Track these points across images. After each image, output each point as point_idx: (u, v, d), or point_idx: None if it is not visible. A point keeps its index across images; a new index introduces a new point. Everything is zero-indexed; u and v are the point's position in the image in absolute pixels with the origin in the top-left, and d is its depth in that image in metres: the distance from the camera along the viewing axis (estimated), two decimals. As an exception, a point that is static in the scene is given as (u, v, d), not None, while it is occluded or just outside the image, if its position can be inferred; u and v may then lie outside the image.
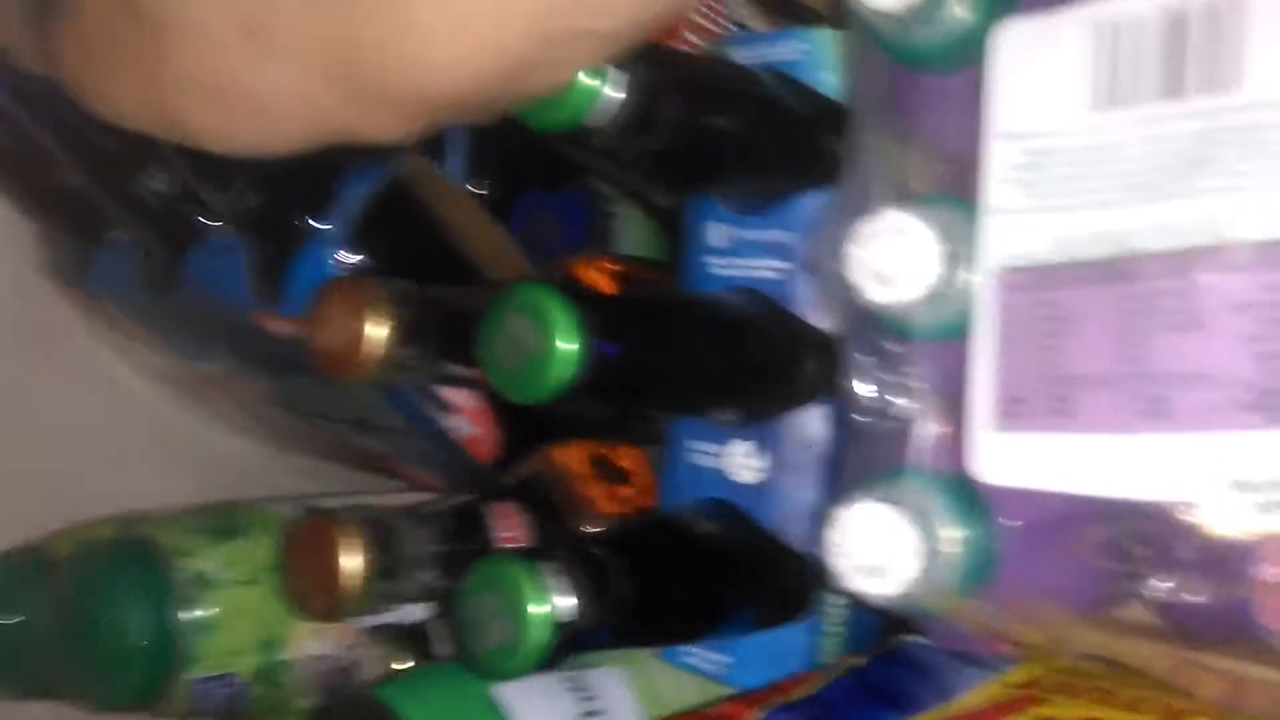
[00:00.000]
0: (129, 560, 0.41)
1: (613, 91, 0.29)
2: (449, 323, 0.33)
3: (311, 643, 0.43)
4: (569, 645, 0.30)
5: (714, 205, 0.37)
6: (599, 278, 0.41)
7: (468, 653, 0.30)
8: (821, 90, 0.34)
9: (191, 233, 0.38)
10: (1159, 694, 0.29)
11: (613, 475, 0.43)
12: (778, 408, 0.36)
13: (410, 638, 0.43)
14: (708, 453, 0.37)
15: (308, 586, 0.35)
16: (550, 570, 0.29)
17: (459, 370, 0.35)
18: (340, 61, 0.25)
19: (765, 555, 0.36)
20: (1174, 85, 0.23)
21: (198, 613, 0.41)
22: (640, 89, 0.29)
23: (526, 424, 0.44)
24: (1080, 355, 0.24)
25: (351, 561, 0.33)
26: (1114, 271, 0.23)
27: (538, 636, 0.29)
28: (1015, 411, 0.25)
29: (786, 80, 0.34)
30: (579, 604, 0.29)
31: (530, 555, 0.30)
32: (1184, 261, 0.22)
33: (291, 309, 0.37)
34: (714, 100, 0.32)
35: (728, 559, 0.36)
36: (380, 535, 0.34)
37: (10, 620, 0.43)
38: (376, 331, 0.32)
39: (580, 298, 0.29)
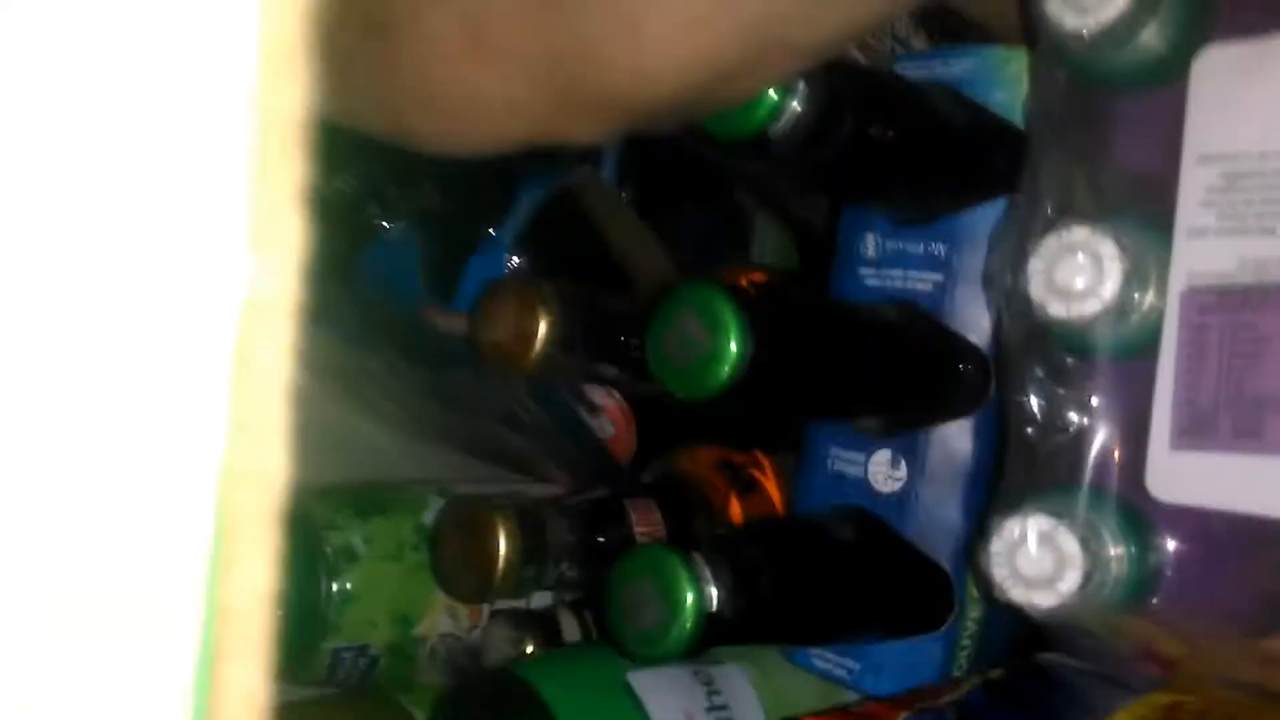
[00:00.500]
0: (286, 530, 0.43)
1: (794, 104, 0.30)
2: (611, 323, 0.35)
3: (445, 620, 0.44)
4: (714, 635, 0.31)
5: (871, 216, 0.38)
6: (746, 286, 0.42)
7: (618, 634, 0.31)
8: (991, 108, 0.35)
9: (369, 229, 0.40)
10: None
11: (740, 481, 0.44)
12: (925, 420, 0.36)
13: (538, 622, 0.44)
14: (850, 460, 0.38)
15: (460, 568, 0.36)
16: (702, 562, 0.30)
17: (614, 370, 0.36)
18: (558, 68, 0.26)
19: (903, 565, 0.36)
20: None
21: (342, 584, 0.42)
22: (820, 102, 0.30)
23: (663, 427, 0.45)
24: (1270, 377, 0.24)
25: (506, 546, 0.35)
26: (1312, 297, 0.24)
27: (689, 623, 0.30)
28: (1199, 430, 0.25)
29: (958, 97, 0.35)
30: (727, 596, 0.30)
31: (684, 546, 0.31)
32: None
33: (462, 306, 0.38)
34: (888, 115, 0.33)
35: (867, 566, 0.36)
36: (532, 523, 0.36)
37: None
38: (544, 328, 0.34)
39: (748, 300, 0.30)
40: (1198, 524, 0.26)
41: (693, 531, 0.39)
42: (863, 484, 0.37)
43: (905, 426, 0.36)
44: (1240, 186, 0.25)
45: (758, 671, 0.39)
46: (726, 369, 0.30)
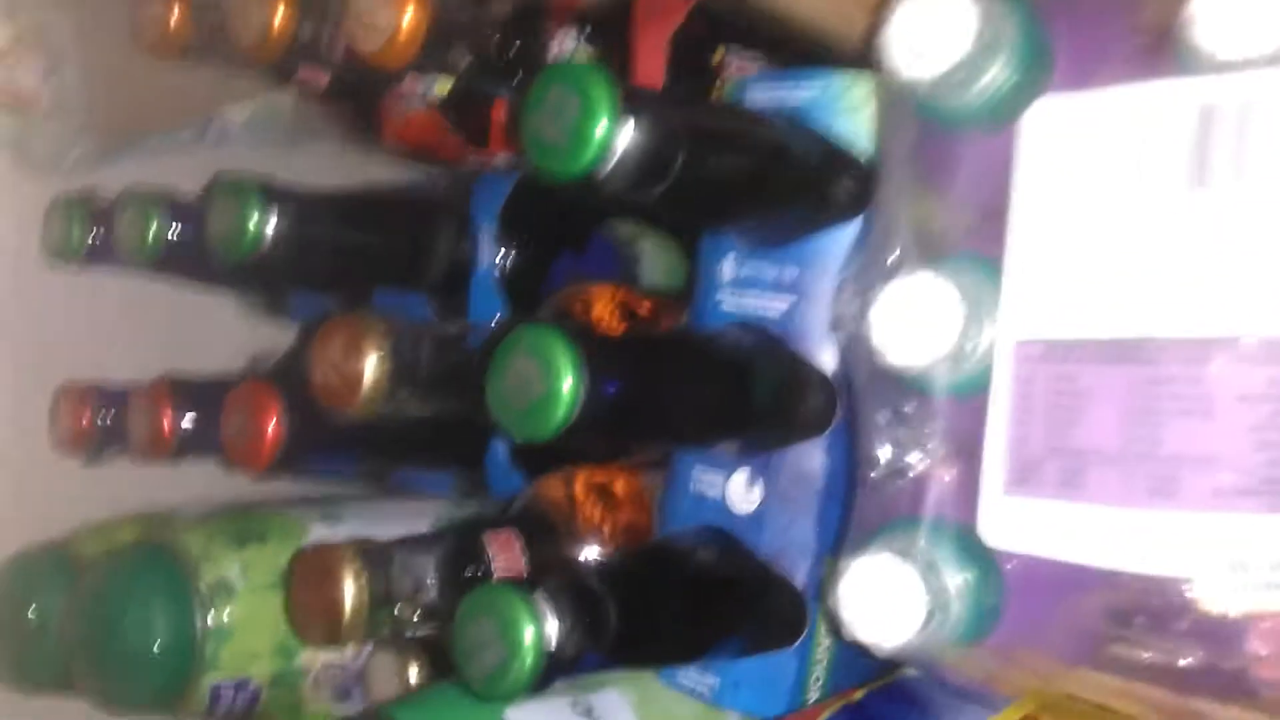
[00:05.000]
0: (154, 565, 0.42)
1: (621, 143, 0.30)
2: (445, 358, 0.34)
3: (326, 650, 0.44)
4: (560, 669, 0.31)
5: (728, 240, 0.38)
6: (608, 309, 0.42)
7: (464, 676, 0.31)
8: (834, 133, 0.35)
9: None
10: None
11: (609, 502, 0.44)
12: (774, 442, 0.37)
13: (423, 647, 0.44)
14: (710, 481, 0.38)
15: (310, 615, 0.36)
16: (542, 598, 0.30)
17: (454, 405, 0.35)
18: None
19: (755, 584, 0.37)
20: (1200, 174, 0.24)
21: (219, 618, 0.42)
22: (648, 140, 0.29)
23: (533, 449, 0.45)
24: (1092, 430, 0.25)
25: (351, 592, 0.35)
26: (1130, 353, 0.24)
27: (529, 661, 0.30)
28: (1025, 479, 0.26)
29: (795, 124, 0.35)
30: (569, 630, 0.30)
31: (523, 583, 0.31)
32: (1197, 350, 0.23)
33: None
34: (720, 146, 0.33)
35: (718, 587, 0.37)
36: (379, 566, 0.35)
37: (34, 616, 0.44)
38: (373, 367, 0.33)
39: (582, 338, 0.30)
40: (1028, 567, 0.27)
41: (560, 560, 0.40)
42: (721, 504, 0.38)
43: (755, 449, 0.37)
44: (1066, 240, 0.26)
45: (638, 695, 0.40)
46: (561, 411, 0.30)
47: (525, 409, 0.30)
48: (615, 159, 0.30)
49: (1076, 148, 0.26)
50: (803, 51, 0.38)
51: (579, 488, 0.44)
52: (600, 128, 0.29)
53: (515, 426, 0.31)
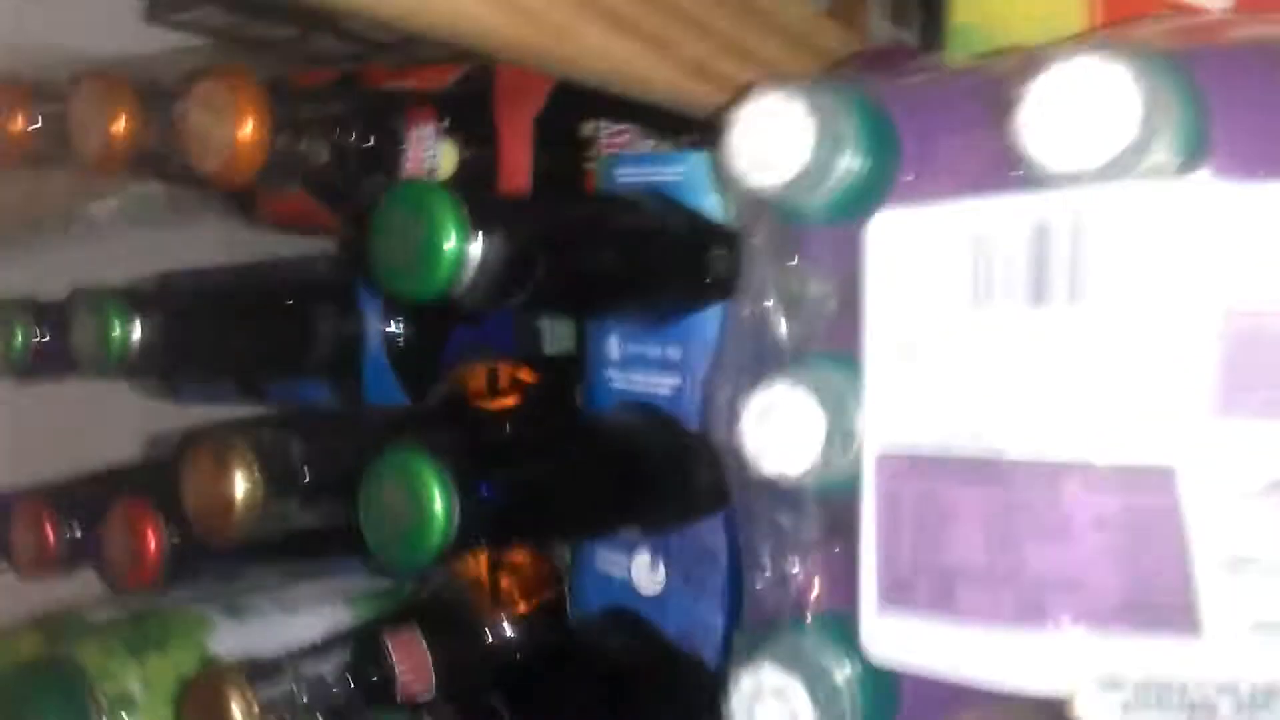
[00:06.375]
0: (53, 686, 0.41)
1: (474, 257, 0.28)
2: (325, 466, 0.33)
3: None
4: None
5: (610, 322, 0.37)
6: (499, 382, 0.41)
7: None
8: (705, 210, 0.34)
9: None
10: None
11: (517, 577, 0.43)
12: (672, 522, 0.36)
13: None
14: (614, 562, 0.38)
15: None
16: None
17: (333, 518, 0.34)
18: None
19: (664, 668, 0.36)
20: (1040, 292, 0.23)
21: (123, 733, 0.41)
22: (501, 250, 0.28)
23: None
24: (958, 548, 0.24)
25: (239, 717, 0.34)
26: (988, 473, 0.24)
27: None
28: (898, 596, 0.25)
29: (665, 203, 0.34)
30: None
31: (453, 685, 0.30)
32: (1050, 474, 0.23)
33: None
34: (582, 245, 0.32)
35: (627, 674, 0.36)
36: (270, 684, 0.34)
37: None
38: (243, 490, 0.32)
39: (449, 453, 0.29)
40: (913, 679, 0.26)
41: (463, 652, 0.39)
42: (628, 585, 0.37)
43: (656, 530, 0.36)
44: (918, 355, 0.25)
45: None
46: (437, 538, 0.29)
47: (400, 540, 0.29)
48: (470, 275, 0.29)
49: (918, 261, 0.25)
50: (673, 120, 0.37)
51: (491, 565, 0.43)
52: (449, 247, 0.28)
53: (394, 558, 0.30)
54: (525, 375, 0.42)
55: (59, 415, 0.49)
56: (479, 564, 0.42)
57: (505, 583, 0.42)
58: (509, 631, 0.41)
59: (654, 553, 0.37)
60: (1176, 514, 0.22)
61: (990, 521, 0.24)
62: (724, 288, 0.34)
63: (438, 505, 0.29)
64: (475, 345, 0.45)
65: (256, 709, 0.34)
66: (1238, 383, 0.22)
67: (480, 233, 0.28)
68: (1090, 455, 0.22)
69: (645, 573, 0.37)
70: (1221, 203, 0.22)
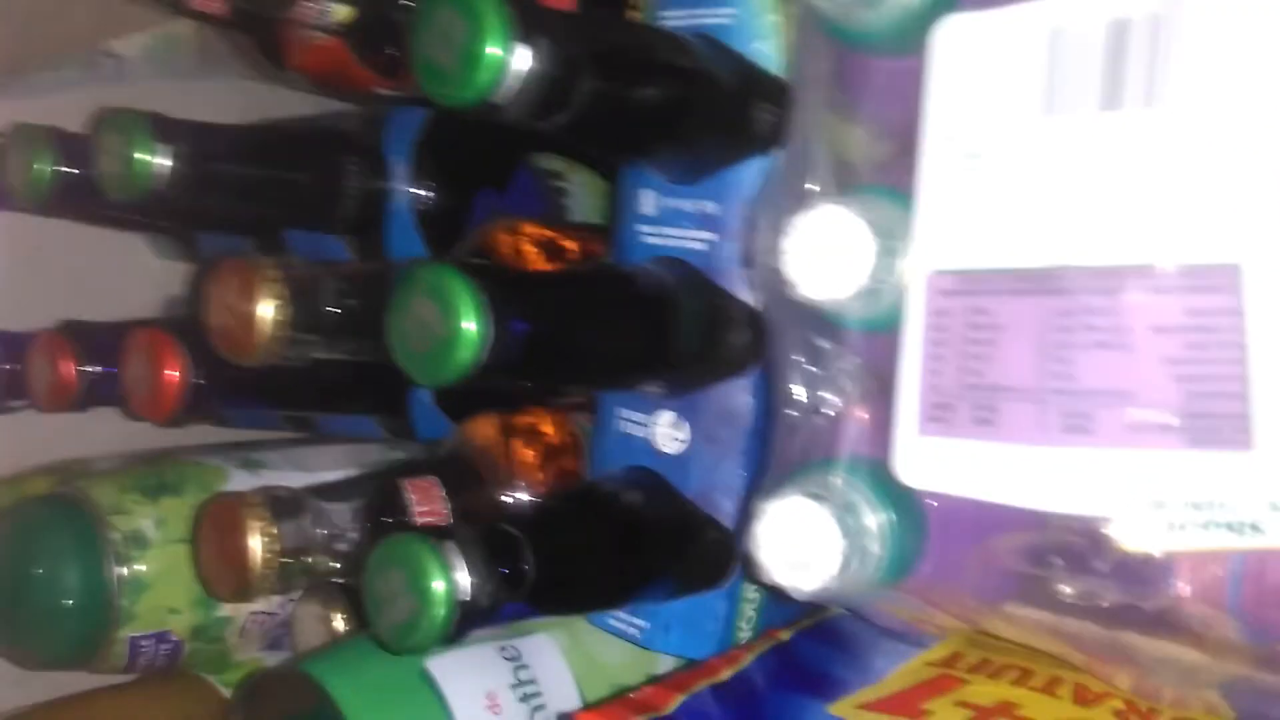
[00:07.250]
0: (64, 519, 0.41)
1: (518, 66, 0.28)
2: (345, 299, 0.33)
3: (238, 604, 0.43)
4: (475, 620, 0.30)
5: (647, 173, 0.36)
6: (523, 244, 0.40)
7: (374, 627, 0.30)
8: (750, 57, 0.33)
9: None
10: (1075, 674, 0.30)
11: (539, 442, 0.43)
12: (699, 380, 0.35)
13: (349, 597, 0.43)
14: (636, 421, 0.37)
15: (218, 569, 0.34)
16: (453, 547, 0.29)
17: (356, 346, 0.34)
18: None
19: (682, 525, 0.36)
20: (1113, 97, 0.22)
21: (133, 571, 0.41)
22: (547, 62, 0.28)
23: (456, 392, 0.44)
24: (1006, 365, 0.24)
25: (258, 544, 0.33)
26: (1043, 283, 0.23)
27: (439, 613, 0.29)
28: (940, 417, 0.25)
29: (713, 47, 0.33)
30: (483, 580, 0.29)
31: (434, 533, 0.30)
32: (1112, 280, 0.22)
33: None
34: (628, 72, 0.31)
35: (644, 529, 0.36)
36: (289, 515, 0.34)
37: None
38: (270, 311, 0.31)
39: (484, 276, 0.28)
40: (947, 507, 0.26)
41: (482, 505, 0.38)
42: (648, 444, 0.37)
43: (679, 388, 0.36)
44: (978, 168, 0.24)
45: (567, 638, 0.39)
46: (466, 354, 0.28)
47: (427, 353, 0.29)
48: (512, 84, 0.28)
49: (987, 70, 0.24)
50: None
51: (508, 429, 0.42)
52: (491, 51, 0.27)
53: (419, 371, 0.29)
54: (560, 237, 0.41)
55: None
56: (503, 427, 0.42)
57: (523, 451, 0.42)
58: (526, 494, 0.40)
59: (678, 412, 0.36)
60: (1239, 315, 0.21)
61: (1043, 334, 0.23)
62: (768, 141, 0.33)
63: (471, 323, 0.28)
64: (502, 210, 0.44)
65: (274, 541, 0.33)
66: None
67: (526, 39, 0.27)
68: (1154, 258, 0.22)
69: (667, 432, 0.36)
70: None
